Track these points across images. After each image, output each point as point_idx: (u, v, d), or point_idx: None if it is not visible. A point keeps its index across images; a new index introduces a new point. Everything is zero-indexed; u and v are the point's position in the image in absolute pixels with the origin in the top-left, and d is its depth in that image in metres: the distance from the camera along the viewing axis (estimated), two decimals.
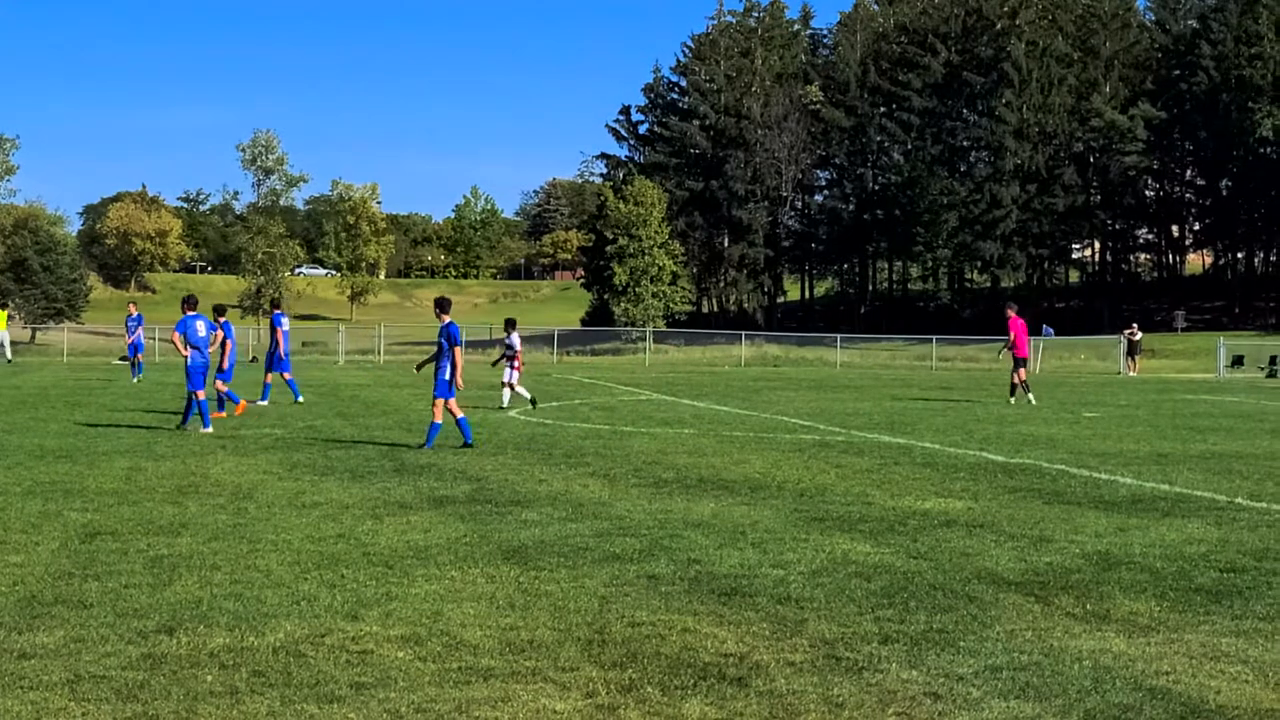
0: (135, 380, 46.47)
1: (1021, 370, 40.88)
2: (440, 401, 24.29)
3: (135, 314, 51.79)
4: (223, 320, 31.66)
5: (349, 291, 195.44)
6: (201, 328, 28.07)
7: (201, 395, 27.39)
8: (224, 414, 30.57)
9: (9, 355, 65.27)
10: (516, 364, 35.13)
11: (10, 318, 71.12)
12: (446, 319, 24.36)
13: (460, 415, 24.37)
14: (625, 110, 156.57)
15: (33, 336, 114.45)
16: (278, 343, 35.07)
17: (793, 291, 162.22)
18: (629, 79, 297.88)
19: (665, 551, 13.38)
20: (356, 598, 11.17)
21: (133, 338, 50.79)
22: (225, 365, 31.02)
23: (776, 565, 12.69)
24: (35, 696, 8.29)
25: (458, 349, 24.14)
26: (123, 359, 55.68)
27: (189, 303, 28.68)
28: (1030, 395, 40.55)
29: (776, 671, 8.94)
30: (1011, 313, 42.12)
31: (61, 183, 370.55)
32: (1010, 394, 41.28)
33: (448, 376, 24.09)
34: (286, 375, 34.72)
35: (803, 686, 8.60)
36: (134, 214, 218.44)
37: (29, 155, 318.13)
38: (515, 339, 35.23)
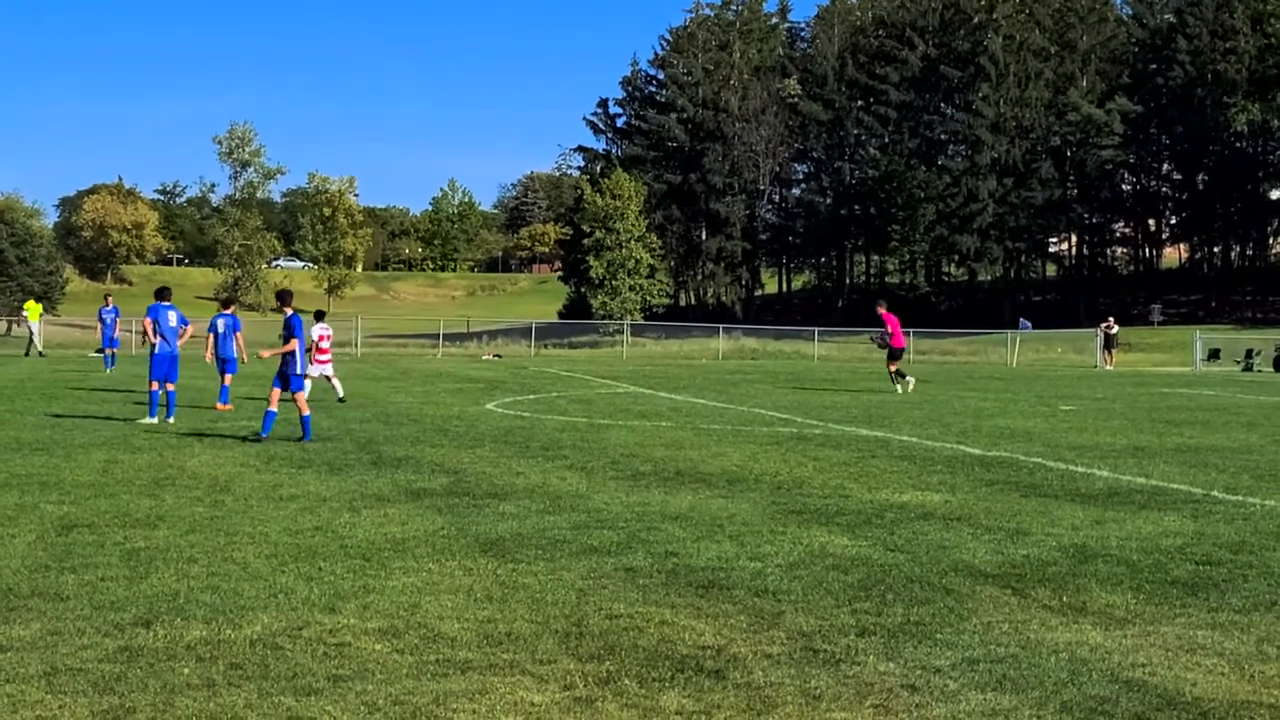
0: (108, 371, 46.18)
1: (896, 361, 42.13)
2: (300, 395, 24.24)
3: (111, 305, 51.52)
4: (226, 312, 32.47)
5: (326, 284, 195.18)
6: (172, 318, 28.04)
7: (167, 386, 27.39)
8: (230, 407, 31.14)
9: (40, 348, 64.96)
10: (318, 356, 34.39)
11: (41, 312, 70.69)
12: (289, 311, 24.51)
13: (272, 409, 24.17)
14: (603, 103, 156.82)
15: (8, 329, 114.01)
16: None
17: (770, 285, 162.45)
18: (607, 72, 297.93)
19: (643, 544, 13.39)
20: (334, 590, 11.16)
21: (109, 330, 50.36)
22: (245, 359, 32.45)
23: (754, 558, 12.70)
24: (11, 690, 8.27)
25: (294, 340, 24.18)
26: (98, 351, 55.37)
27: (163, 293, 28.64)
28: (899, 385, 41.43)
29: (754, 664, 8.95)
30: (882, 309, 43.23)
31: (38, 175, 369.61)
32: (893, 381, 41.98)
33: (299, 370, 24.13)
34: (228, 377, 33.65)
35: (780, 679, 8.61)
36: (110, 206, 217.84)
37: (4, 147, 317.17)
38: (316, 330, 34.42)
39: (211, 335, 32.97)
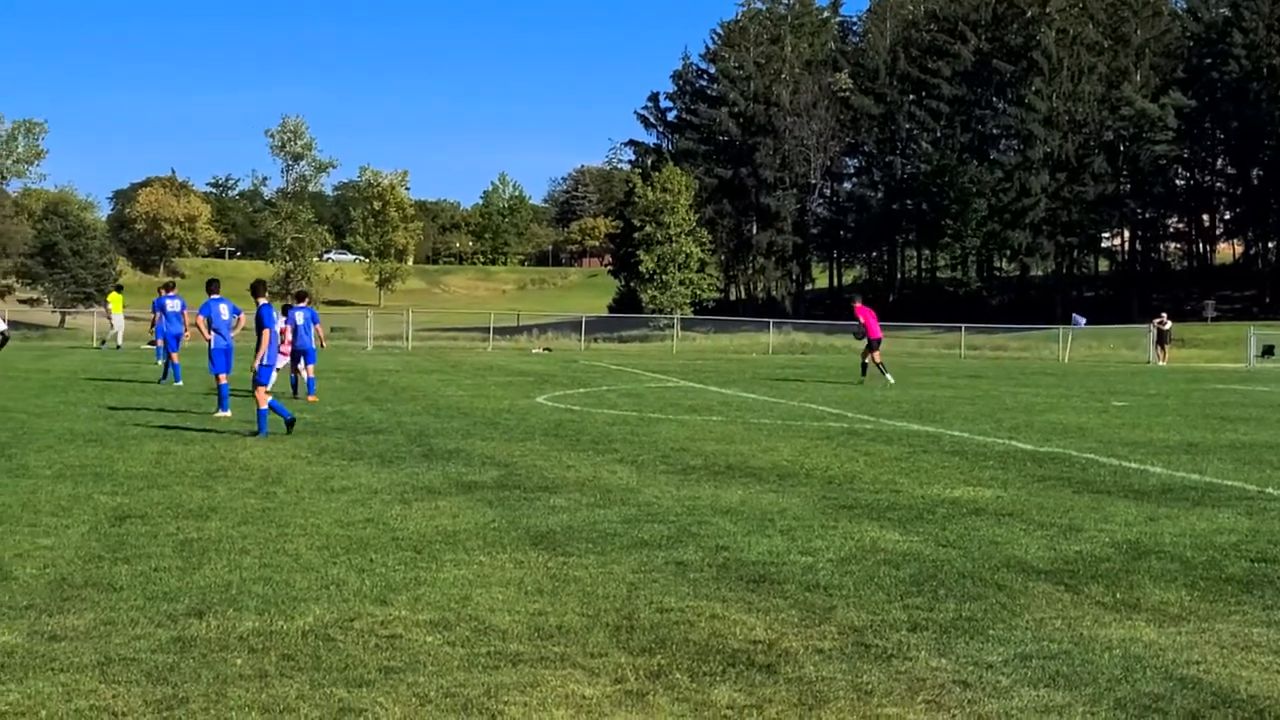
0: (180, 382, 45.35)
1: (875, 352, 43.90)
2: (261, 388, 24.01)
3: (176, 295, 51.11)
4: (302, 305, 32.82)
5: (377, 277, 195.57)
6: (224, 311, 28.12)
7: (223, 379, 27.46)
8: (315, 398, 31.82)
9: (119, 342, 64.05)
10: (283, 347, 34.74)
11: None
12: (261, 302, 24.52)
13: (260, 405, 23.91)
14: (654, 97, 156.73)
15: (62, 320, 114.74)
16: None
17: (821, 279, 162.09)
18: (658, 66, 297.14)
19: (693, 538, 13.38)
20: (385, 582, 11.18)
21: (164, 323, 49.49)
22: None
23: (805, 553, 12.67)
24: (65, 679, 8.32)
25: (266, 331, 24.13)
26: (150, 343, 54.90)
27: (213, 286, 28.69)
28: (889, 375, 43.32)
29: (805, 659, 8.93)
30: (858, 304, 45.75)
31: (91, 168, 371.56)
32: (862, 373, 44.24)
33: (266, 361, 24.07)
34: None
35: (831, 674, 8.59)
36: (163, 199, 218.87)
37: (59, 140, 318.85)
38: (282, 323, 34.77)
39: (289, 327, 33.22)
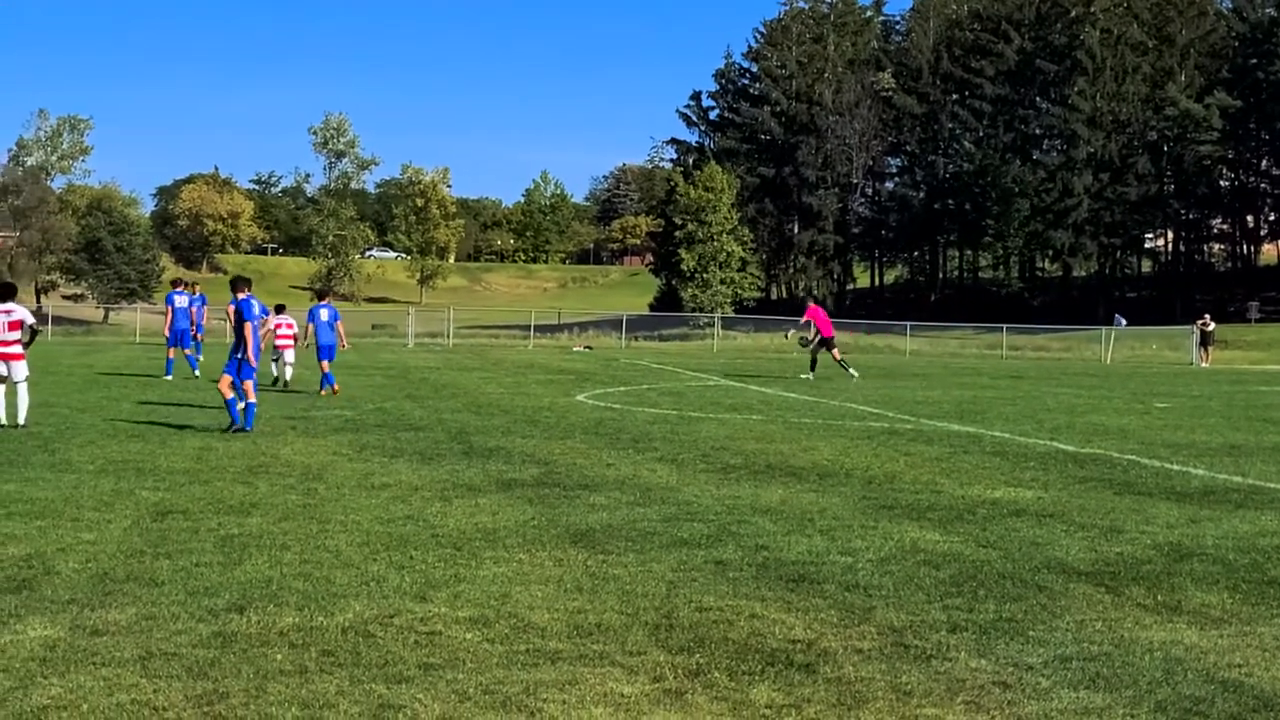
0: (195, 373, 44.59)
1: (835, 350, 45.61)
2: (226, 378, 23.96)
3: (198, 294, 51.19)
4: (324, 303, 33.25)
5: (419, 275, 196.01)
6: (255, 308, 28.19)
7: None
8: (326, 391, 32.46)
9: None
10: (277, 342, 36.10)
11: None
12: (241, 296, 24.60)
13: (250, 399, 23.91)
14: (696, 96, 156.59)
15: (106, 316, 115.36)
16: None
17: (862, 279, 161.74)
18: (700, 64, 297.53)
19: (733, 537, 13.37)
20: (425, 579, 11.21)
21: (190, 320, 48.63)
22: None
23: (845, 552, 12.65)
24: (107, 673, 8.35)
25: (248, 325, 24.16)
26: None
27: (239, 285, 28.28)
28: (851, 369, 45.44)
29: (844, 658, 8.92)
30: (811, 304, 46.86)
31: (135, 164, 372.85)
32: (811, 368, 45.36)
33: (240, 355, 24.05)
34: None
35: (870, 674, 8.57)
36: (206, 195, 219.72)
37: (103, 136, 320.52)
38: (274, 320, 35.83)
39: (312, 324, 33.54)
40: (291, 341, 35.99)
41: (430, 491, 16.34)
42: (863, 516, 14.86)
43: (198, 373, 37.75)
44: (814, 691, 8.18)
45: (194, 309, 41.67)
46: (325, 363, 32.96)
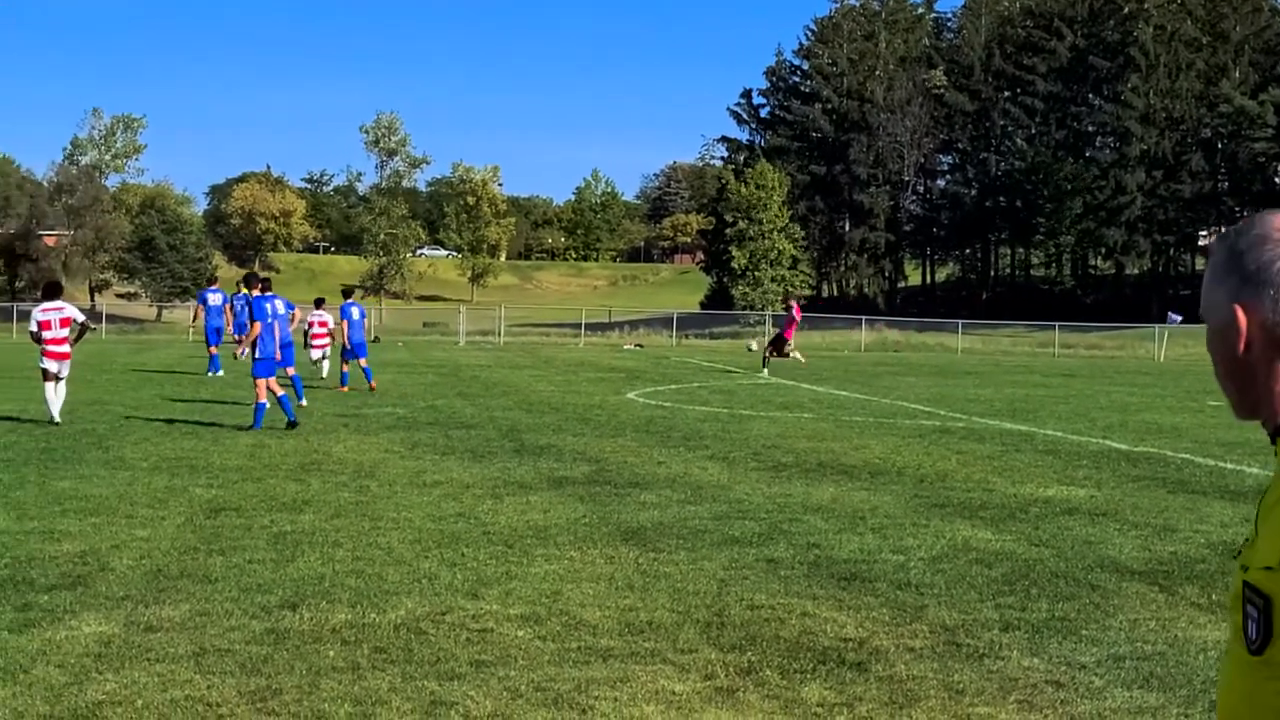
0: (219, 372, 40.36)
1: (779, 350, 47.99)
2: (265, 381, 24.01)
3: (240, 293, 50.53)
4: (353, 301, 33.67)
5: (470, 273, 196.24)
6: (280, 306, 28.25)
7: (291, 371, 27.72)
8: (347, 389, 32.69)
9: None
10: (314, 340, 36.64)
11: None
12: (255, 293, 24.70)
13: (260, 399, 23.93)
14: (747, 93, 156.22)
15: (159, 315, 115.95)
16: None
17: (914, 276, 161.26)
18: (751, 62, 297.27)
19: (784, 535, 13.36)
20: (477, 576, 11.24)
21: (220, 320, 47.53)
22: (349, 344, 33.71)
23: (896, 551, 12.63)
24: (161, 669, 8.41)
25: (256, 324, 24.19)
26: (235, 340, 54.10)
27: (254, 282, 27.83)
28: (768, 367, 46.77)
29: (896, 657, 8.90)
30: (798, 305, 50.16)
31: (188, 163, 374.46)
32: (763, 365, 47.05)
33: (259, 354, 24.05)
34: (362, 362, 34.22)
35: (923, 672, 8.55)
36: (259, 194, 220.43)
37: (157, 135, 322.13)
38: (313, 315, 36.23)
39: (345, 321, 33.79)
40: (327, 338, 36.27)
41: (482, 489, 16.39)
42: (915, 515, 14.83)
43: (220, 372, 37.88)
44: (866, 690, 8.17)
45: (233, 306, 41.71)
46: (362, 359, 33.20)
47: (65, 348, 23.78)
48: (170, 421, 24.45)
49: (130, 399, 29.54)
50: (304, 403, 27.40)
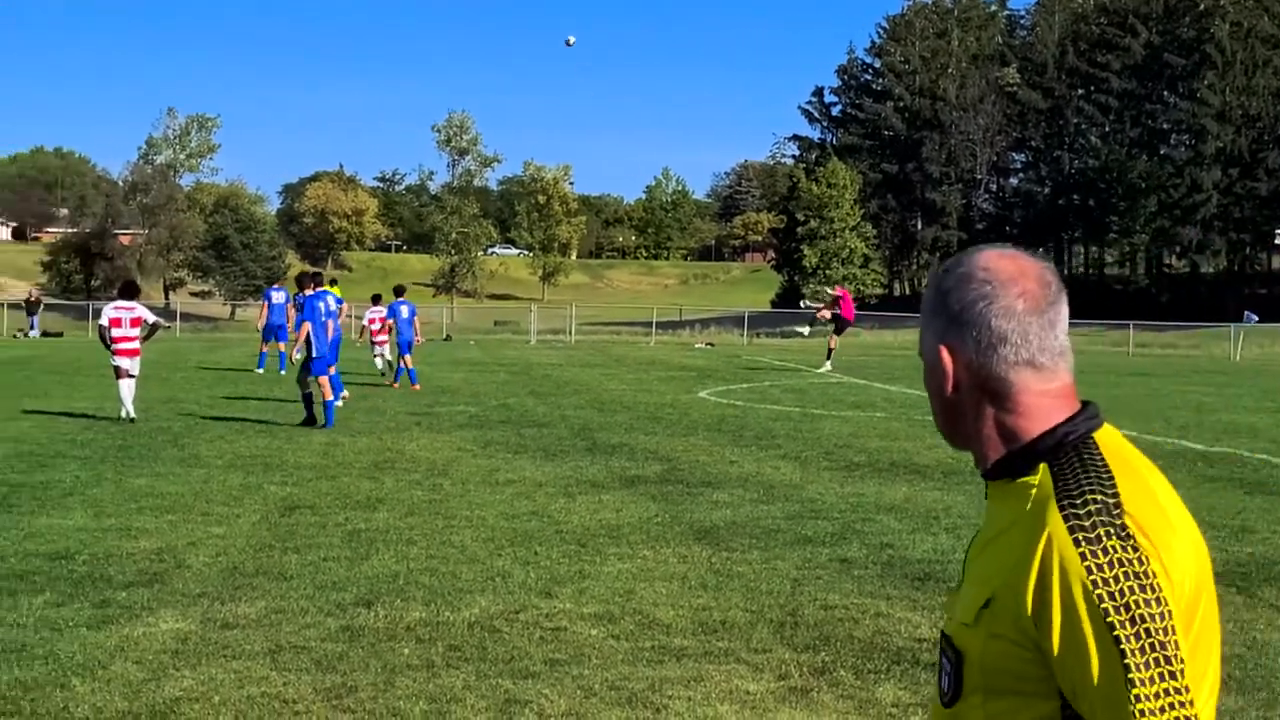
0: (262, 370, 41.39)
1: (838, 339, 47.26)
2: (323, 379, 24.11)
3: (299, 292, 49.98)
4: (403, 299, 34.58)
5: (541, 272, 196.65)
6: (331, 303, 28.31)
7: (332, 369, 27.82)
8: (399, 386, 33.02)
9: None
10: (375, 339, 36.63)
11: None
12: (308, 292, 24.81)
13: (326, 396, 24.05)
14: (818, 91, 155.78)
15: (233, 313, 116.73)
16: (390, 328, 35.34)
17: None
18: (822, 60, 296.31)
19: (857, 535, 13.32)
20: (550, 575, 11.26)
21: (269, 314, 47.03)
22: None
23: None
24: (238, 665, 8.47)
25: (306, 324, 24.25)
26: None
27: (308, 280, 27.70)
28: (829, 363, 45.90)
29: None
30: (844, 290, 49.81)
31: (262, 162, 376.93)
32: (828, 357, 46.63)
33: (313, 353, 24.06)
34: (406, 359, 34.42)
35: None
36: (331, 193, 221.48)
37: (231, 135, 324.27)
38: (369, 313, 36.41)
39: (394, 319, 34.03)
40: (385, 334, 36.50)
41: (554, 488, 16.41)
42: None
43: (283, 370, 38.12)
44: None
45: (296, 304, 41.97)
46: (407, 357, 33.39)
47: (135, 344, 24.08)
48: (244, 420, 24.61)
49: (204, 397, 29.76)
50: (346, 394, 27.67)
